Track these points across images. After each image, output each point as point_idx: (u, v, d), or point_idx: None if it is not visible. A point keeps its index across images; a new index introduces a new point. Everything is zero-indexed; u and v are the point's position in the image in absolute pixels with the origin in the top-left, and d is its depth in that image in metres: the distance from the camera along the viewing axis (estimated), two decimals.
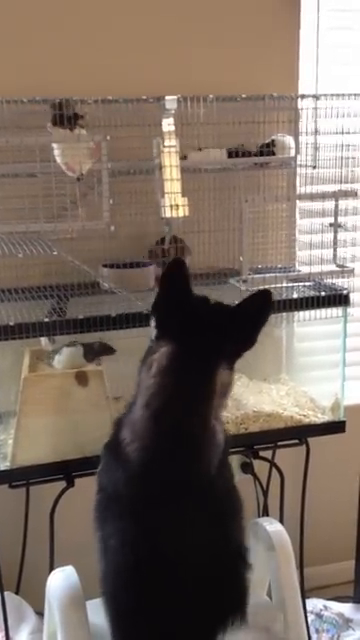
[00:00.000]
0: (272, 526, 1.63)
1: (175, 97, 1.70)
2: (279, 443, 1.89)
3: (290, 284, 1.91)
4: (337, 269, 1.88)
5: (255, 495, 2.03)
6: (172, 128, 1.69)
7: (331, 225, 1.87)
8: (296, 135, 1.93)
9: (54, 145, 1.63)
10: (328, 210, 1.87)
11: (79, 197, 1.66)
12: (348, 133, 1.83)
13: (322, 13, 2.08)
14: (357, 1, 2.14)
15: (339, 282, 1.88)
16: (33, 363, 1.76)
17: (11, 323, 1.58)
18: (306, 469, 1.94)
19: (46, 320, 1.62)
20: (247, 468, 1.90)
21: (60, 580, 1.48)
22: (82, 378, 1.68)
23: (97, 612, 1.51)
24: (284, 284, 1.90)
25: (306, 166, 1.93)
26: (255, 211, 1.82)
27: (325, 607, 2.19)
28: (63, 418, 1.67)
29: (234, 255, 1.84)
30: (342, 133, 1.84)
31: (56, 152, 1.64)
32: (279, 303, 1.80)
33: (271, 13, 2.00)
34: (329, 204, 1.87)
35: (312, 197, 1.89)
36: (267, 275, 1.87)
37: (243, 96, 1.80)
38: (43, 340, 1.73)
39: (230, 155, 1.85)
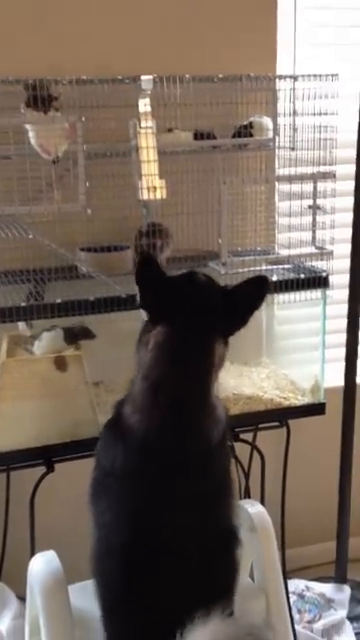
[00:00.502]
0: (253, 508, 1.64)
1: (151, 77, 1.68)
2: (260, 425, 1.90)
3: (269, 267, 1.91)
4: (316, 251, 1.88)
5: (237, 477, 2.03)
6: (148, 109, 1.67)
7: (310, 207, 1.87)
8: (274, 116, 1.92)
9: (28, 127, 1.61)
10: (307, 192, 1.86)
11: (55, 179, 1.63)
12: (326, 114, 1.82)
13: None
14: None
15: (318, 264, 1.88)
16: (11, 348, 1.75)
17: None
18: (287, 451, 1.94)
19: (23, 304, 1.60)
20: None
21: (41, 565, 1.48)
22: (61, 363, 1.67)
23: (79, 596, 1.51)
24: (263, 267, 1.90)
25: (284, 148, 1.92)
26: (234, 193, 1.81)
27: (307, 588, 2.21)
28: (42, 403, 1.66)
29: (213, 238, 1.83)
30: (320, 114, 1.83)
31: (30, 134, 1.61)
32: None
33: None
34: (308, 186, 1.86)
35: (291, 179, 1.89)
36: (246, 258, 1.86)
37: (220, 76, 1.78)
38: (21, 325, 1.72)
39: (196, 137, 1.84)
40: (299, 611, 2.11)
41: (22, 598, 1.79)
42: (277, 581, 1.62)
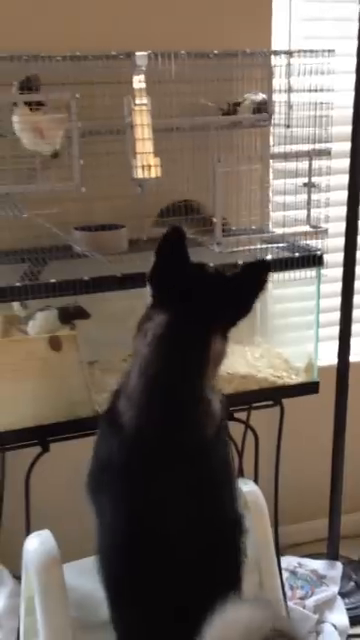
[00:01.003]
0: (247, 486, 1.65)
1: (146, 53, 1.65)
2: (253, 404, 1.90)
3: (264, 245, 1.90)
4: (311, 230, 1.87)
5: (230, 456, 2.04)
6: (143, 85, 1.65)
7: (305, 185, 1.86)
8: (269, 93, 1.89)
9: (20, 126, 1.58)
10: (302, 170, 1.85)
11: (49, 158, 1.61)
12: (322, 91, 1.80)
13: None
14: None
15: (313, 243, 1.87)
16: (5, 329, 1.74)
17: None
18: (280, 430, 1.95)
19: (18, 284, 1.59)
20: None
21: (37, 544, 1.49)
22: (55, 343, 1.66)
23: (74, 575, 1.52)
24: (258, 245, 1.89)
25: (280, 125, 1.90)
26: (228, 171, 1.80)
27: (299, 564, 2.23)
28: (37, 383, 1.66)
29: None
30: (316, 91, 1.81)
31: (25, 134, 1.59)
32: None
33: None
34: (303, 164, 1.85)
35: (286, 157, 1.87)
36: (240, 236, 1.85)
37: (216, 52, 1.76)
38: (15, 305, 1.71)
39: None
40: (291, 587, 2.13)
41: (17, 577, 1.80)
42: (270, 558, 1.64)
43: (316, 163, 1.84)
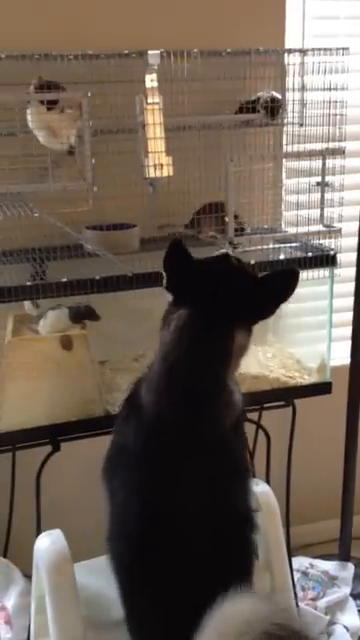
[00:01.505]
0: (259, 487, 1.64)
1: (158, 52, 1.65)
2: (265, 405, 1.89)
3: (277, 245, 1.89)
4: (324, 229, 1.86)
5: None
6: (155, 84, 1.64)
7: (318, 184, 1.85)
8: (283, 91, 1.88)
9: (34, 124, 1.59)
10: (315, 169, 1.84)
11: (60, 157, 1.61)
12: (336, 89, 1.79)
13: None
14: None
15: (326, 243, 1.86)
16: (17, 328, 1.74)
17: None
18: (292, 430, 1.94)
19: (29, 283, 1.59)
20: None
21: (47, 544, 1.48)
22: (67, 342, 1.66)
23: (85, 574, 1.52)
24: (270, 245, 1.88)
25: (293, 124, 1.89)
26: (240, 170, 1.79)
27: (311, 565, 2.22)
28: (48, 382, 1.66)
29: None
30: (330, 89, 1.79)
31: (40, 132, 1.59)
32: (265, 264, 1.78)
33: None
34: (316, 163, 1.84)
35: (299, 156, 1.86)
36: (253, 236, 1.84)
37: (228, 50, 1.75)
38: (27, 304, 1.71)
39: None
40: (303, 588, 2.12)
41: (28, 576, 1.80)
42: (282, 558, 1.63)
43: (330, 162, 1.83)
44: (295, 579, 2.05)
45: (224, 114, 1.86)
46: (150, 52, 1.65)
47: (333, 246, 1.85)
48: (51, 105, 1.58)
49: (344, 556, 2.26)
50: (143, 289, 1.63)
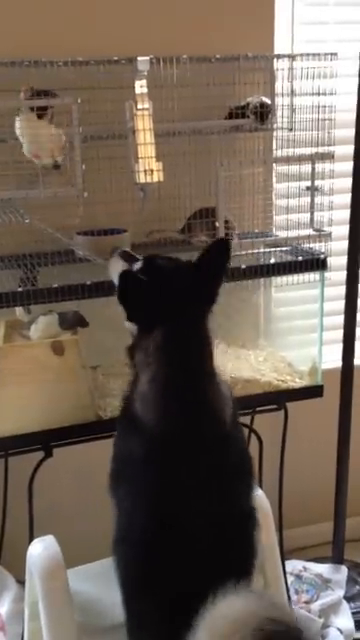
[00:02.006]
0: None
1: (148, 58, 1.65)
2: (257, 408, 1.89)
3: (267, 249, 1.90)
4: (314, 233, 1.87)
5: None
6: (145, 90, 1.65)
7: (308, 189, 1.86)
8: (272, 97, 1.89)
9: (21, 131, 1.59)
10: (305, 173, 1.85)
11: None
12: (325, 94, 1.80)
13: None
14: None
15: (316, 246, 1.87)
16: (8, 333, 1.74)
17: None
18: (284, 434, 1.94)
19: (20, 289, 1.59)
20: None
21: (40, 549, 1.48)
22: (58, 348, 1.66)
23: (79, 580, 1.52)
24: (261, 249, 1.89)
25: (282, 129, 1.90)
26: (231, 175, 1.79)
27: (304, 568, 2.22)
28: (40, 388, 1.66)
29: None
30: (319, 94, 1.80)
31: (24, 139, 1.59)
32: (256, 268, 1.79)
33: None
34: (306, 167, 1.84)
35: (289, 160, 1.87)
36: (244, 240, 1.85)
37: (217, 56, 1.76)
38: (18, 310, 1.71)
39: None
40: (297, 591, 2.12)
41: (21, 582, 1.80)
42: (275, 562, 1.63)
43: (319, 166, 1.84)
44: (289, 582, 2.05)
45: (214, 120, 1.87)
46: (140, 58, 1.66)
47: (323, 250, 1.86)
48: (41, 112, 1.58)
49: (337, 559, 2.27)
50: None
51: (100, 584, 1.54)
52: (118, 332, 1.46)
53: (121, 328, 1.44)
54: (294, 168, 1.86)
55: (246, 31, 1.97)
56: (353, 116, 1.99)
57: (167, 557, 1.24)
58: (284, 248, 1.89)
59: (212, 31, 1.93)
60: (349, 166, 2.02)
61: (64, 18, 1.82)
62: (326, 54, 1.81)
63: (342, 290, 2.11)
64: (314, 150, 1.83)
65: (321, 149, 1.83)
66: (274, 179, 2.00)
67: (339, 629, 2.04)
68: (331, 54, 1.81)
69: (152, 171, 1.65)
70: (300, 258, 1.83)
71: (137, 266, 1.39)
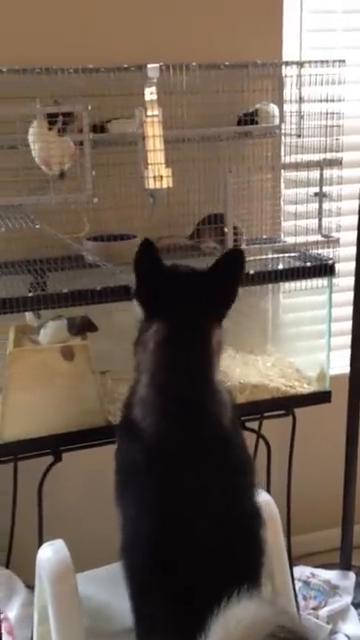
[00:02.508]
0: (260, 496, 1.64)
1: (157, 65, 1.67)
2: (265, 414, 1.90)
3: (275, 255, 1.90)
4: (322, 239, 1.87)
5: None
6: (155, 97, 1.66)
7: (316, 195, 1.86)
8: (280, 103, 1.90)
9: (33, 138, 1.60)
10: (313, 179, 1.85)
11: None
12: (333, 101, 1.81)
13: None
14: None
15: (324, 252, 1.87)
16: (18, 338, 1.75)
17: None
18: (292, 439, 1.95)
19: (30, 294, 1.60)
20: None
21: (50, 554, 1.49)
22: (67, 353, 1.67)
23: (87, 585, 1.52)
24: (269, 255, 1.90)
25: (291, 135, 1.91)
26: (239, 181, 1.80)
27: (312, 574, 2.22)
28: (49, 393, 1.67)
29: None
30: (327, 101, 1.81)
31: (35, 146, 1.60)
32: (264, 274, 1.79)
33: None
34: (314, 173, 1.85)
35: (297, 166, 1.88)
36: (252, 246, 1.85)
37: (226, 64, 1.77)
38: (28, 315, 1.72)
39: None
40: (304, 598, 2.12)
41: (30, 586, 1.80)
42: (283, 568, 1.63)
43: (327, 172, 1.84)
44: (297, 588, 2.05)
45: (223, 126, 1.88)
46: (149, 66, 1.67)
47: (331, 256, 1.87)
48: (52, 120, 1.59)
49: (345, 565, 2.26)
50: None
51: (109, 589, 1.54)
52: (128, 338, 1.46)
53: (130, 334, 1.45)
54: (302, 174, 1.87)
55: (255, 38, 1.98)
56: None
57: (174, 563, 1.24)
58: (292, 254, 1.90)
59: (221, 39, 1.94)
60: (357, 172, 2.04)
61: (75, 26, 1.84)
62: (334, 61, 1.82)
63: (350, 296, 2.12)
64: (322, 156, 1.84)
65: (329, 155, 1.83)
66: (282, 185, 2.01)
67: (347, 635, 2.03)
68: (339, 61, 1.82)
69: (161, 177, 1.66)
70: (308, 264, 1.83)
71: None
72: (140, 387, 1.34)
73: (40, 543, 1.57)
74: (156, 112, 1.66)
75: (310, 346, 2.06)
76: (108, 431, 1.68)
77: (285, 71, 1.89)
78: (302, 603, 2.09)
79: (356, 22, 2.19)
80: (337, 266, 1.86)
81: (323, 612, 2.07)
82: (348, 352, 2.16)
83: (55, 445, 1.66)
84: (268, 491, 1.82)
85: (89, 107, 1.60)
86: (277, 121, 1.92)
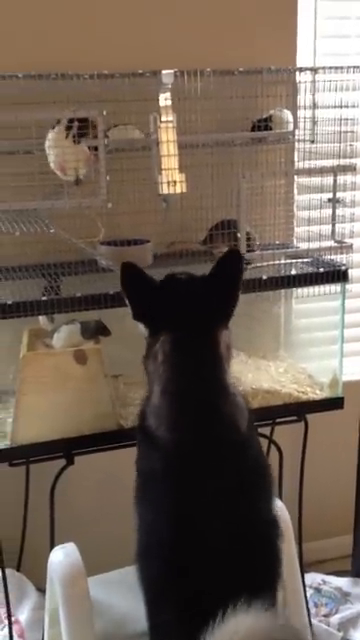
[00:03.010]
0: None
1: (172, 71, 1.67)
2: (277, 420, 1.89)
3: (288, 261, 1.90)
4: (335, 245, 1.87)
5: None
6: (169, 103, 1.67)
7: (329, 200, 1.86)
8: (294, 109, 1.91)
9: (50, 144, 1.61)
10: (326, 185, 1.85)
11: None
12: (347, 107, 1.81)
13: None
14: None
15: (337, 258, 1.87)
16: (32, 342, 1.76)
17: (9, 302, 1.57)
18: (304, 445, 1.94)
19: (44, 298, 1.61)
20: None
21: (61, 557, 1.49)
22: (80, 356, 1.67)
23: (99, 588, 1.53)
24: (282, 261, 1.90)
25: (304, 141, 1.91)
26: (253, 187, 1.81)
27: (323, 581, 2.21)
28: (62, 396, 1.67)
29: None
30: (341, 107, 1.81)
31: (51, 151, 1.62)
32: (277, 280, 1.79)
33: None
34: (328, 179, 1.85)
35: (310, 172, 1.88)
36: (265, 252, 1.86)
37: (240, 69, 1.78)
38: (42, 319, 1.73)
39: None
40: (316, 605, 2.11)
41: (41, 590, 1.81)
42: (294, 575, 1.63)
43: (341, 178, 1.84)
44: (308, 595, 2.04)
45: (236, 132, 1.88)
46: (164, 72, 1.68)
47: (344, 262, 1.86)
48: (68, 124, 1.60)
49: (357, 572, 2.25)
50: None
51: (121, 592, 1.54)
52: (140, 342, 1.47)
53: (143, 338, 1.45)
54: (316, 180, 1.87)
55: (269, 44, 1.98)
56: None
57: (191, 569, 1.24)
58: (305, 260, 1.90)
59: (235, 45, 1.95)
60: None
61: (90, 32, 1.85)
62: (348, 67, 1.82)
63: None
64: (336, 162, 1.84)
65: (343, 161, 1.83)
66: (295, 191, 2.01)
67: None
68: (354, 67, 1.82)
69: (175, 182, 1.66)
70: (321, 270, 1.83)
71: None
72: (153, 397, 1.35)
73: (52, 546, 1.58)
74: (170, 118, 1.66)
75: (323, 352, 2.06)
76: (120, 435, 1.68)
77: (299, 77, 1.89)
78: (313, 610, 2.08)
79: None
80: (350, 272, 1.85)
81: (334, 619, 2.06)
82: None
83: (67, 448, 1.67)
84: (280, 497, 1.82)
85: (104, 112, 1.61)
86: (291, 127, 1.92)
